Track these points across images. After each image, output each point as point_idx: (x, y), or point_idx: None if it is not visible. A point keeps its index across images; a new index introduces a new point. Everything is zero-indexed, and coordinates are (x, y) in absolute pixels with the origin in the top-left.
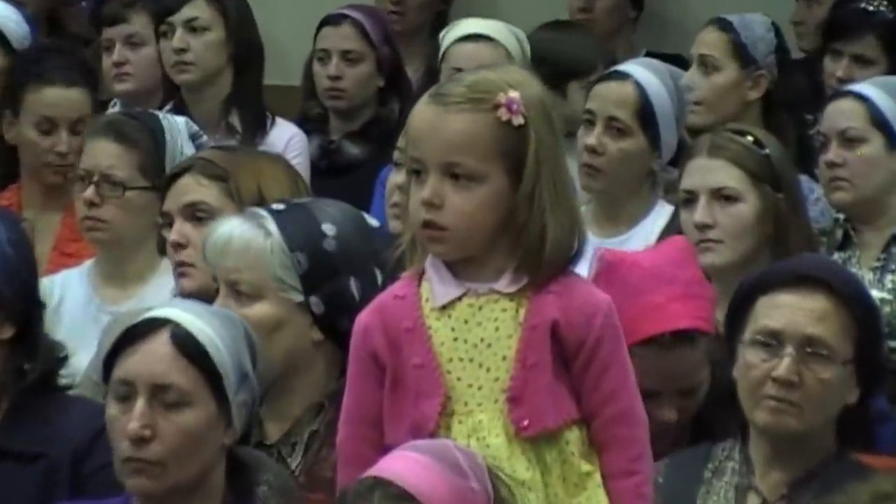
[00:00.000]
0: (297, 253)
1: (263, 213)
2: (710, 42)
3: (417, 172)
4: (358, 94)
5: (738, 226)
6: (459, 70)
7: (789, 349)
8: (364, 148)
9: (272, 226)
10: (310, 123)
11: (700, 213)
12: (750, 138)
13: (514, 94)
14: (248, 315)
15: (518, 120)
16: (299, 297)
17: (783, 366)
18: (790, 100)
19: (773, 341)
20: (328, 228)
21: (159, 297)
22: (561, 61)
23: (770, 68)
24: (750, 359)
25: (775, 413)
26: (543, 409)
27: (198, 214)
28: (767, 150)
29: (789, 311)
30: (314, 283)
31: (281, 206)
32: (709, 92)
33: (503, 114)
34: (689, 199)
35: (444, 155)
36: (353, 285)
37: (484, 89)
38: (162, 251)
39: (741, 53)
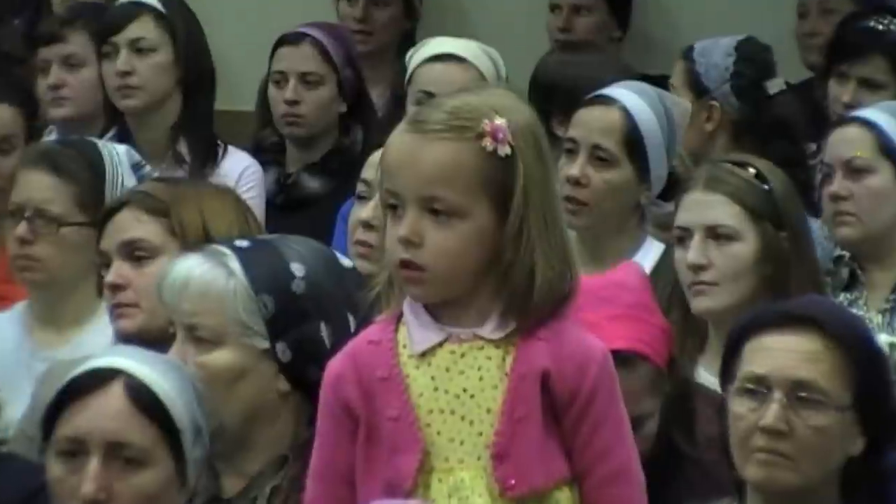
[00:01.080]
0: (262, 295)
1: (226, 250)
2: (675, 71)
3: (394, 207)
4: (318, 121)
5: (734, 267)
6: (427, 93)
7: (777, 395)
8: (324, 181)
9: (235, 265)
10: (265, 154)
11: (694, 252)
12: (752, 171)
13: (499, 121)
14: (207, 363)
15: (504, 149)
16: (264, 344)
17: (770, 414)
18: (778, 128)
19: (760, 388)
20: (297, 268)
21: (98, 342)
22: (575, 87)
23: (725, 97)
24: (737, 409)
25: (766, 466)
26: (531, 466)
27: (137, 253)
28: (770, 185)
29: (776, 353)
30: (281, 329)
31: (245, 243)
32: None
33: (488, 143)
34: (683, 237)
35: (424, 188)
36: (324, 331)
37: (467, 116)
38: (101, 292)
39: (694, 83)
